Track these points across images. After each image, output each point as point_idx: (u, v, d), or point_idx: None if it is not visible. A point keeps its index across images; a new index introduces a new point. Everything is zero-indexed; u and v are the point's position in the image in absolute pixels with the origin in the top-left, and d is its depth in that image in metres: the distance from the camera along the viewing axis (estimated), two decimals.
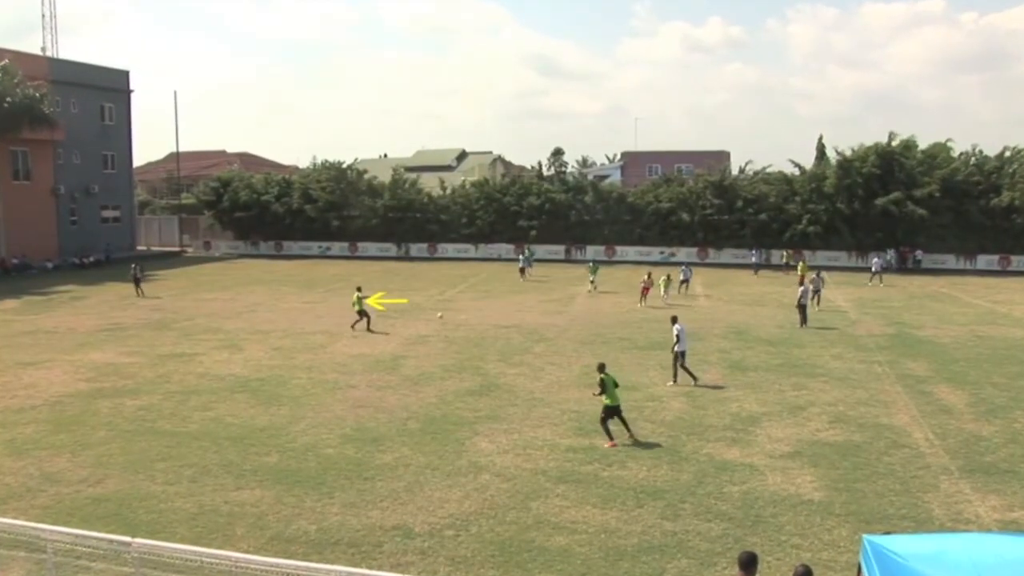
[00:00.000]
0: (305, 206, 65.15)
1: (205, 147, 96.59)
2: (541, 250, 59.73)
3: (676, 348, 22.50)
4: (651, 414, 19.91)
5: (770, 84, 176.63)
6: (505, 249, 61.12)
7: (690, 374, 22.55)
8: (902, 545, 7.90)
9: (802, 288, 32.36)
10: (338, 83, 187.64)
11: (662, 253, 59.00)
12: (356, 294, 31.37)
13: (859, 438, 18.00)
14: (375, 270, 54.81)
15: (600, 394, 17.60)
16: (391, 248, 64.18)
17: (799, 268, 42.98)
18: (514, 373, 24.24)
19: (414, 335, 30.34)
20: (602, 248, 60.12)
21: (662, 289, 38.47)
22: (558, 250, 60.84)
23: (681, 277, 40.39)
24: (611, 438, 17.32)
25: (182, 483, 15.35)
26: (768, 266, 53.58)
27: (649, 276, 37.39)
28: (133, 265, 43.80)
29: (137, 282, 42.09)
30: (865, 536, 8.45)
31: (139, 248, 68.84)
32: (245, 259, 64.06)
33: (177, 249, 69.77)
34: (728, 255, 57.91)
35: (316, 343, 28.85)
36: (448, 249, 63.18)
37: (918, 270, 53.31)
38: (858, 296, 41.02)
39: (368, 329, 30.36)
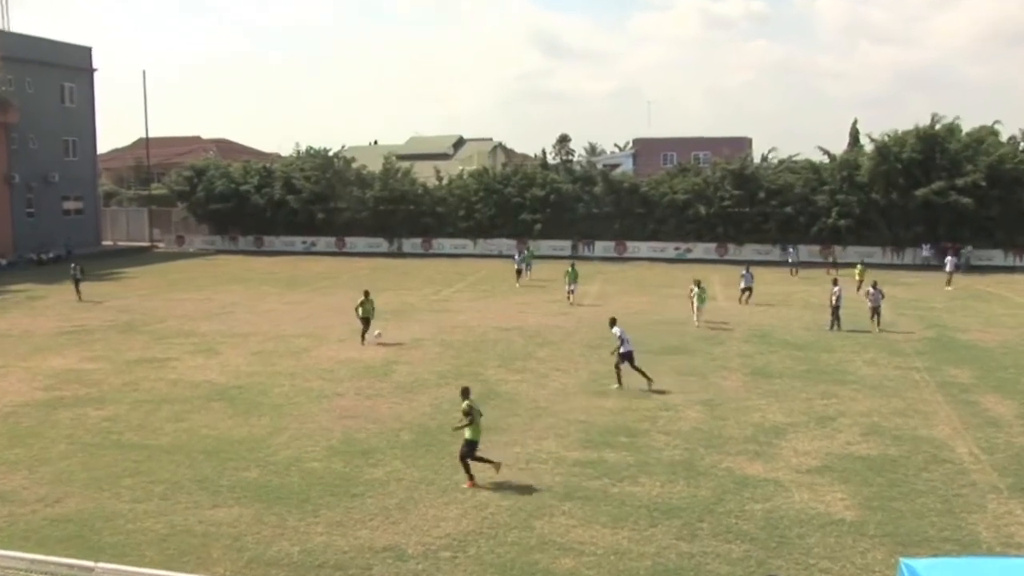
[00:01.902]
0: (288, 197, 65.10)
1: (177, 133, 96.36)
2: (545, 246, 59.64)
3: (621, 350, 22.98)
4: (665, 424, 19.89)
5: (797, 63, 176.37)
6: (506, 245, 60.96)
7: (644, 375, 22.93)
8: (943, 570, 7.87)
9: (836, 289, 32.10)
10: (324, 63, 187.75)
11: (677, 250, 58.96)
12: (364, 300, 29.59)
13: (895, 452, 17.96)
14: (364, 267, 54.81)
15: (465, 426, 15.99)
16: (382, 243, 64.12)
17: (857, 272, 41.48)
18: (516, 380, 24.23)
19: (407, 338, 30.31)
20: (612, 244, 60.10)
21: (694, 306, 33.05)
22: (564, 246, 60.74)
23: (742, 284, 37.76)
24: (471, 477, 15.93)
25: (152, 501, 15.33)
26: (802, 264, 53.09)
27: (699, 285, 32.79)
28: (73, 265, 42.29)
29: (77, 283, 40.57)
30: (902, 559, 8.43)
31: (104, 243, 68.86)
32: (222, 255, 64.03)
33: (147, 244, 69.71)
34: (750, 251, 57.72)
35: (300, 347, 28.83)
36: (444, 244, 63.13)
37: (962, 267, 52.87)
38: (893, 296, 40.88)
39: (362, 338, 29.06)
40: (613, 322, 23.63)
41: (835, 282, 32.58)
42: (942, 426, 19.83)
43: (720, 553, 13.25)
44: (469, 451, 15.96)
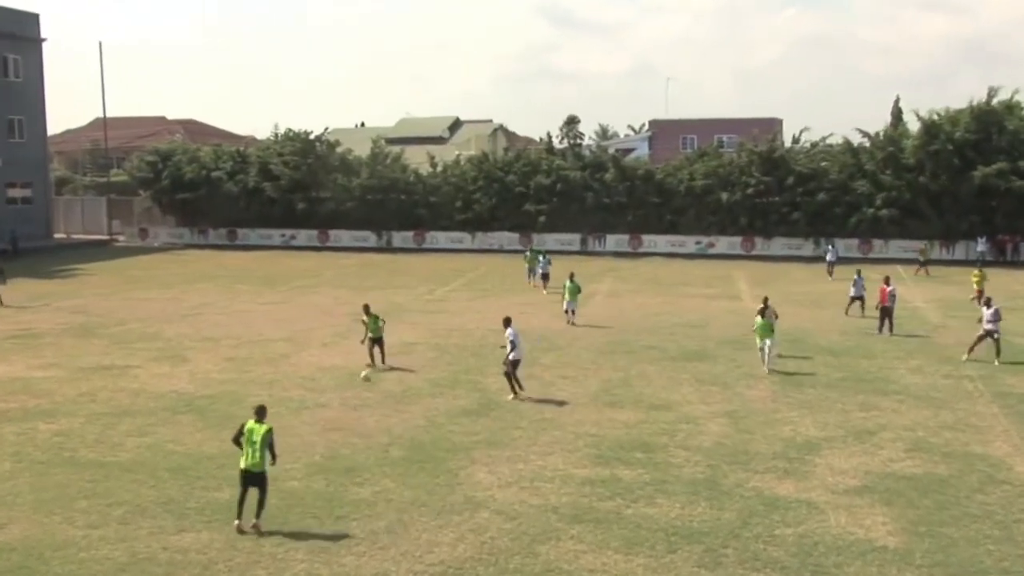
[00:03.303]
0: (264, 185, 65.14)
1: (139, 112, 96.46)
2: (551, 240, 59.66)
3: (510, 356, 22.90)
4: (685, 439, 19.83)
5: (833, 36, 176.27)
6: (508, 239, 60.98)
7: (516, 384, 23.07)
8: None
9: (890, 288, 31.84)
10: (303, 37, 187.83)
11: (698, 244, 58.92)
12: (372, 319, 26.93)
13: (945, 471, 17.89)
14: (350, 264, 54.79)
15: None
16: (370, 237, 64.12)
17: (975, 280, 38.69)
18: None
19: (397, 343, 30.21)
20: (626, 237, 60.03)
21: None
22: (572, 240, 60.73)
23: (852, 292, 35.22)
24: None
25: (109, 526, 15.25)
26: (840, 260, 52.77)
27: (765, 304, 27.62)
28: None
29: None
30: None
31: (56, 236, 68.84)
32: (190, 250, 64.02)
33: (105, 237, 69.77)
34: (779, 245, 57.73)
35: (278, 353, 28.78)
36: (439, 239, 63.16)
37: (1021, 263, 52.74)
38: (942, 296, 40.89)
39: (381, 362, 26.67)
40: (508, 322, 23.46)
41: (887, 280, 32.31)
42: (999, 442, 19.73)
43: None
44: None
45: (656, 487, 16.94)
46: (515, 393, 22.88)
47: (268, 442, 15.02)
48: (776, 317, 27.24)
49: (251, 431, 15.08)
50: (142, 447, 19.36)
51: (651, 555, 14.10)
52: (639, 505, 16.09)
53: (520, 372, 23.26)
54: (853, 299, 35.05)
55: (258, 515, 14.84)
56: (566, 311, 33.61)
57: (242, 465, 14.99)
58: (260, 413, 15.41)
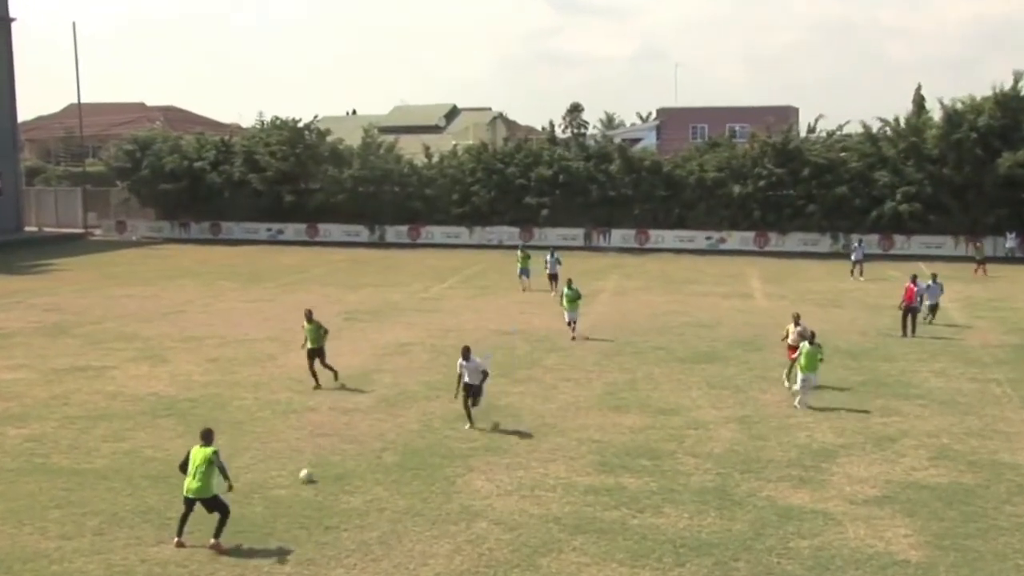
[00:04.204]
0: (250, 176, 65.14)
1: (117, 98, 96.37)
2: (554, 235, 59.55)
3: (465, 379, 20.99)
4: (694, 445, 19.82)
5: (853, 19, 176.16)
6: (507, 233, 60.89)
7: (468, 415, 21.11)
8: None
9: (917, 287, 31.55)
10: (292, 17, 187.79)
11: (709, 239, 58.91)
12: (313, 327, 24.77)
13: (971, 480, 17.88)
14: (340, 260, 54.76)
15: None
16: (361, 232, 64.10)
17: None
18: (519, 392, 24.19)
19: (391, 343, 30.26)
20: (632, 232, 60.02)
21: (794, 375, 23.84)
22: (576, 235, 60.71)
23: (928, 300, 33.58)
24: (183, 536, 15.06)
25: (84, 537, 15.22)
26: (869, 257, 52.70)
27: (796, 322, 25.04)
28: None
29: None
30: None
31: (28, 228, 68.78)
32: (171, 244, 64.04)
33: (80, 231, 69.70)
34: (794, 241, 57.74)
35: (264, 353, 28.77)
36: (435, 233, 63.15)
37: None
38: (968, 295, 40.88)
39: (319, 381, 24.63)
40: (466, 353, 21.01)
41: (914, 279, 32.11)
42: None
43: None
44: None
45: (663, 496, 16.92)
46: (470, 423, 21.02)
47: (218, 465, 14.64)
48: (813, 336, 23.35)
49: (193, 457, 14.71)
50: (119, 453, 19.32)
51: (658, 568, 14.09)
52: (645, 515, 16.07)
53: (482, 403, 21.26)
54: (931, 308, 33.38)
55: (217, 534, 14.62)
56: (569, 324, 30.98)
57: (183, 491, 14.73)
58: (206, 437, 15.01)
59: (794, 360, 23.73)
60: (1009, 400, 23.59)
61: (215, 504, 14.73)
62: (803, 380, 22.66)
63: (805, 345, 22.88)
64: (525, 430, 20.89)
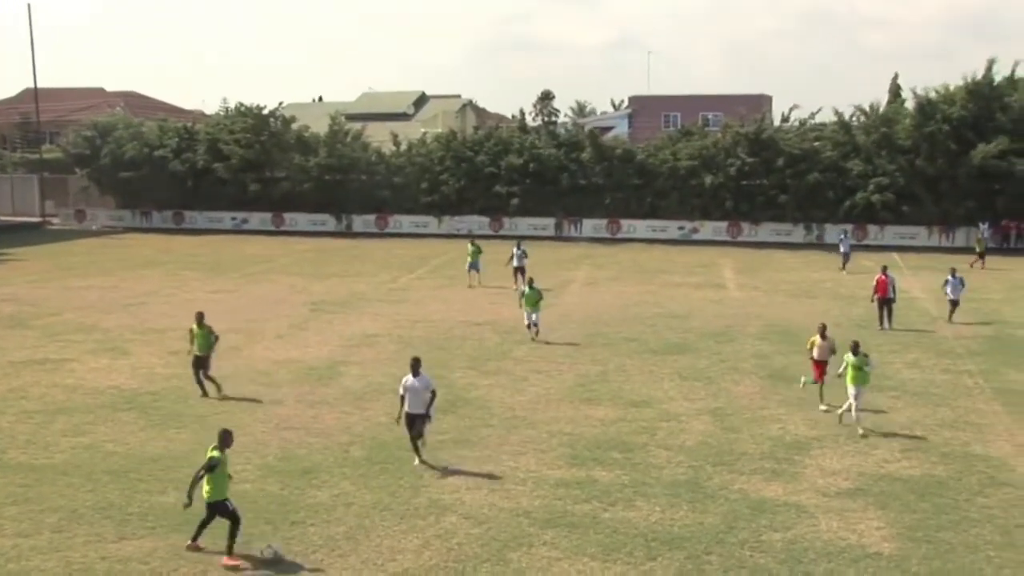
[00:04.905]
0: (214, 165, 64.76)
1: (75, 83, 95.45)
2: (524, 225, 59.73)
3: (405, 408, 18.18)
4: (666, 438, 19.90)
5: (830, 7, 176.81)
6: (477, 223, 60.89)
7: (417, 447, 18.33)
8: None
9: (889, 278, 31.40)
10: (257, 3, 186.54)
11: (681, 229, 59.10)
12: (203, 332, 23.27)
13: (943, 472, 18.05)
14: (307, 249, 54.54)
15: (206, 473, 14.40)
16: (328, 221, 63.97)
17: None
18: (488, 384, 24.21)
19: (358, 334, 30.18)
20: (603, 222, 60.13)
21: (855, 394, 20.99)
22: (546, 224, 60.81)
23: (949, 295, 33.21)
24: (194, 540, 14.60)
25: (42, 534, 15.12)
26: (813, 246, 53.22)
27: (823, 334, 22.68)
28: None
29: None
30: None
31: None
32: (133, 234, 63.60)
33: (37, 219, 69.15)
34: (767, 231, 58.04)
35: (228, 345, 28.51)
36: (403, 223, 63.09)
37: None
38: (941, 286, 41.09)
39: (205, 390, 23.17)
40: (414, 366, 18.29)
41: (884, 270, 32.26)
42: (1000, 441, 19.93)
43: None
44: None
45: (635, 489, 16.99)
46: (418, 457, 18.21)
47: (202, 471, 14.26)
48: (857, 346, 20.89)
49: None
50: (78, 448, 19.19)
51: (629, 562, 14.15)
52: (617, 509, 16.13)
53: (427, 432, 18.45)
54: (953, 303, 32.91)
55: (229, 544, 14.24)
56: (528, 325, 29.56)
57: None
58: (220, 438, 14.59)
59: (822, 379, 22.16)
60: (981, 391, 23.83)
61: (216, 511, 14.25)
62: (855, 395, 20.37)
63: (849, 357, 20.62)
64: (494, 422, 20.91)
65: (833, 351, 22.32)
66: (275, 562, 13.97)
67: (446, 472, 17.75)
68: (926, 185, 55.16)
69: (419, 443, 18.15)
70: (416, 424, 17.99)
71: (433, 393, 18.11)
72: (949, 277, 33.16)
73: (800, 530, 15.28)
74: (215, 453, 14.33)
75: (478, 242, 42.55)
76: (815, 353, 22.55)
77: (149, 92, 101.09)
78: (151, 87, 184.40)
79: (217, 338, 23.41)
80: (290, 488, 16.90)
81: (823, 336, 22.52)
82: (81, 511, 15.96)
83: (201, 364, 23.04)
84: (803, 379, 23.03)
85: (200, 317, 23.26)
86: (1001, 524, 15.61)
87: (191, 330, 23.21)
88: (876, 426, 20.71)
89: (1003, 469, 18.19)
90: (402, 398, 18.09)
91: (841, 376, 20.91)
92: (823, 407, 21.84)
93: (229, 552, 14.13)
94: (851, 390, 20.42)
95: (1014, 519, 15.83)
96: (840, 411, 20.87)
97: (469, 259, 40.98)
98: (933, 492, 16.94)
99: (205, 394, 22.92)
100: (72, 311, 34.26)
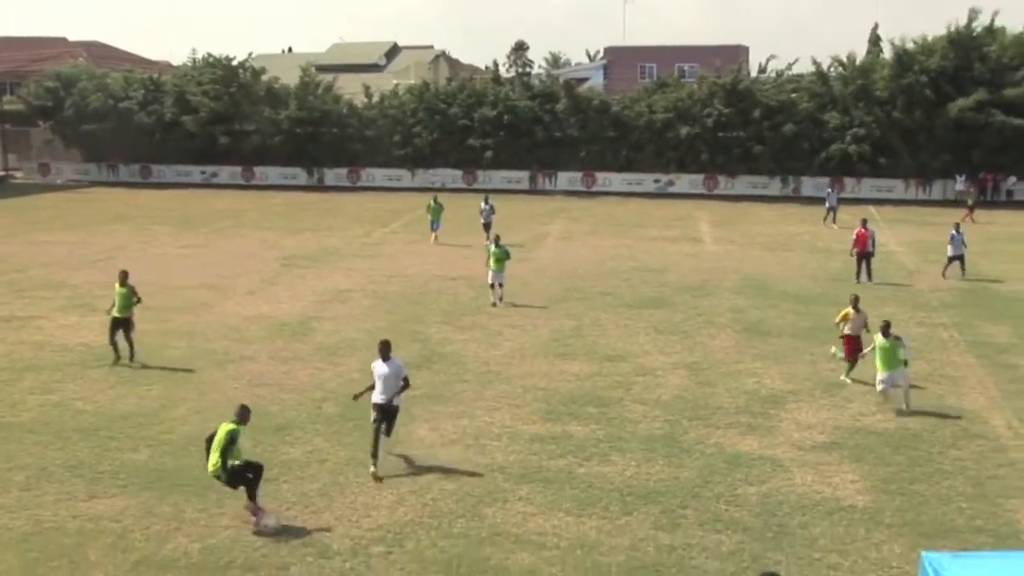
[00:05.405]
0: (182, 117, 64.19)
1: (36, 32, 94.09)
2: (498, 178, 59.66)
3: (377, 397, 16.08)
4: (642, 392, 20.00)
5: None
6: (451, 176, 60.80)
7: (375, 449, 15.95)
8: (974, 566, 7.98)
9: (869, 231, 31.44)
10: None
11: (657, 182, 59.11)
12: (125, 292, 22.15)
13: (917, 425, 18.21)
14: (277, 203, 54.26)
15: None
16: (299, 174, 63.67)
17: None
18: (463, 339, 24.23)
19: (331, 289, 30.10)
20: (579, 175, 60.04)
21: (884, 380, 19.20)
22: (521, 177, 60.71)
23: (950, 252, 32.35)
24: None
25: (10, 492, 15.09)
26: (806, 200, 53.32)
27: (855, 306, 20.88)
28: None
29: None
30: (924, 554, 8.55)
31: None
32: (99, 188, 63.05)
33: (0, 174, 68.29)
34: (743, 184, 58.10)
35: (199, 301, 28.51)
36: (375, 176, 62.84)
37: (1002, 203, 53.24)
38: (918, 239, 41.48)
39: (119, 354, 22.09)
40: (384, 350, 16.21)
41: (864, 223, 32.33)
42: (974, 394, 20.15)
43: (707, 546, 13.39)
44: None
45: (610, 444, 17.09)
46: (374, 466, 15.77)
47: (227, 445, 13.86)
48: (888, 327, 19.10)
49: (219, 433, 14.03)
50: (47, 406, 19.10)
51: (605, 517, 14.25)
52: (592, 464, 16.23)
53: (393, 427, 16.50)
54: (951, 259, 32.25)
55: (252, 497, 14.07)
56: (492, 285, 28.17)
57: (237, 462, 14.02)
58: (238, 414, 14.27)
59: (854, 357, 20.48)
60: (956, 344, 24.05)
61: (233, 479, 13.96)
62: (882, 381, 18.80)
63: (879, 338, 18.89)
64: (469, 378, 20.95)
65: (866, 326, 20.59)
66: (276, 533, 13.71)
67: (419, 427, 17.80)
68: (903, 137, 55.33)
69: (380, 443, 15.79)
70: (386, 418, 15.86)
71: (405, 380, 16.10)
72: (953, 232, 32.69)
73: (775, 484, 15.42)
74: (233, 426, 14.03)
75: (439, 200, 41.39)
76: (847, 328, 20.75)
77: (113, 42, 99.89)
78: (115, 37, 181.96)
79: (139, 300, 22.29)
80: (263, 445, 16.88)
81: (856, 308, 20.68)
82: (51, 469, 15.91)
83: (122, 325, 21.83)
84: (833, 349, 21.28)
85: (124, 276, 22.13)
86: (973, 476, 15.82)
87: (115, 288, 22.04)
88: (850, 379, 20.89)
89: (976, 421, 18.40)
90: (374, 384, 16.09)
91: (865, 356, 19.81)
92: (846, 379, 20.58)
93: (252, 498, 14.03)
94: (882, 375, 18.76)
95: (986, 471, 16.03)
96: (903, 401, 18.75)
97: (430, 216, 40.22)
98: (907, 445, 17.12)
99: (118, 358, 21.79)
100: (38, 267, 33.98)
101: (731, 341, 24.19)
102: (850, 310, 20.75)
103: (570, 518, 14.20)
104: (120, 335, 21.90)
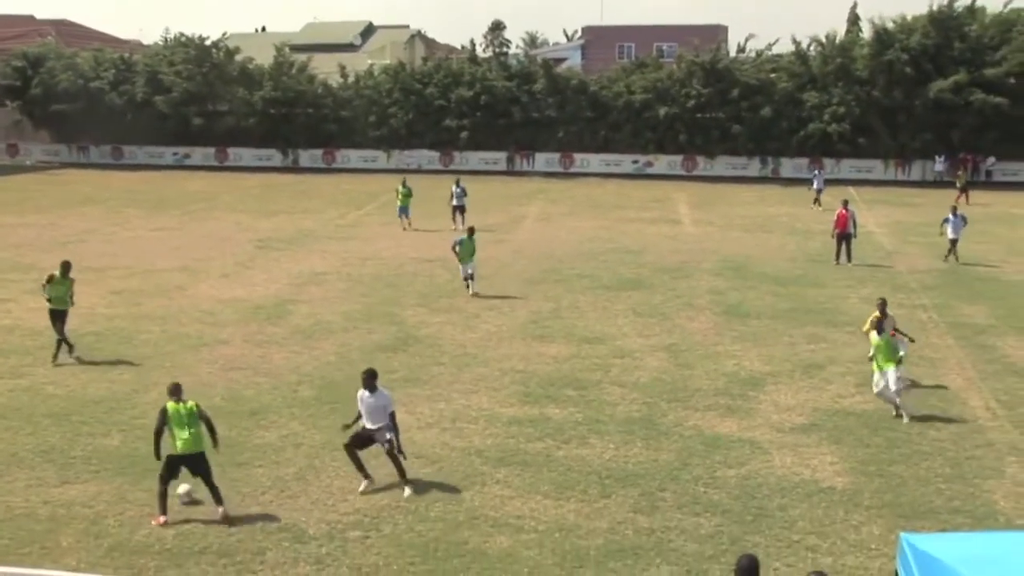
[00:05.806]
0: (154, 98, 63.68)
1: (1, 10, 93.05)
2: (475, 159, 59.57)
3: (364, 423, 14.86)
4: (620, 374, 20.03)
5: None
6: (427, 157, 60.67)
7: (360, 466, 14.79)
8: (953, 547, 8.02)
9: (849, 211, 31.56)
10: None
11: (636, 163, 59.12)
12: (61, 284, 21.21)
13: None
14: (252, 185, 54.01)
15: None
16: (274, 156, 63.41)
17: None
18: (439, 322, 24.20)
19: (306, 272, 30.01)
20: (556, 156, 59.99)
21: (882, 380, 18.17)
22: (498, 159, 60.61)
23: (950, 233, 31.92)
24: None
25: None
26: (788, 181, 53.44)
27: (883, 310, 19.09)
28: None
29: None
30: (903, 535, 8.58)
31: None
32: (69, 169, 62.62)
33: None
34: (722, 165, 58.18)
35: (172, 284, 28.37)
36: (351, 157, 62.67)
37: (980, 183, 53.03)
38: (897, 220, 41.68)
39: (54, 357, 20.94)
40: (369, 380, 14.61)
41: (845, 204, 32.35)
42: (952, 375, 20.28)
43: (686, 528, 13.44)
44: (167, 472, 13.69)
45: (589, 427, 17.12)
46: (365, 478, 14.73)
47: (204, 419, 13.67)
48: (895, 333, 18.76)
49: (173, 414, 13.48)
50: (17, 390, 19.00)
51: (583, 500, 14.28)
52: (570, 446, 16.25)
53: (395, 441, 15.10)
54: (953, 242, 31.96)
55: (218, 501, 13.65)
56: (465, 279, 27.46)
57: (177, 450, 13.45)
58: (175, 392, 13.78)
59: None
60: (935, 326, 24.19)
61: (202, 463, 13.67)
62: (891, 378, 17.73)
63: (875, 337, 18.17)
64: (446, 360, 20.94)
65: (896, 330, 19.04)
66: (193, 504, 13.84)
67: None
68: (882, 117, 55.40)
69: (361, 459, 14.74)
70: (367, 438, 14.70)
71: (391, 417, 14.63)
72: (950, 216, 32.30)
73: (754, 466, 15.49)
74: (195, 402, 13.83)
75: (408, 185, 39.96)
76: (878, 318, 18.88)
77: (82, 20, 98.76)
78: (84, 15, 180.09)
79: (71, 296, 21.29)
80: (238, 429, 16.84)
81: (883, 313, 18.98)
82: (21, 455, 15.82)
83: (60, 319, 20.90)
84: (902, 352, 18.48)
85: (66, 267, 21.17)
86: (951, 457, 15.92)
87: (54, 276, 21.02)
88: (829, 360, 21.01)
89: (954, 402, 18.53)
90: (360, 414, 14.82)
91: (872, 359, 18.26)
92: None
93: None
94: (883, 372, 17.75)
95: (964, 451, 16.15)
96: (897, 403, 17.72)
97: (399, 203, 39.22)
98: (886, 426, 17.22)
99: (72, 347, 20.97)
100: (7, 249, 33.70)
101: (710, 323, 24.25)
102: (878, 314, 18.99)
103: (548, 501, 14.23)
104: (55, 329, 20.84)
